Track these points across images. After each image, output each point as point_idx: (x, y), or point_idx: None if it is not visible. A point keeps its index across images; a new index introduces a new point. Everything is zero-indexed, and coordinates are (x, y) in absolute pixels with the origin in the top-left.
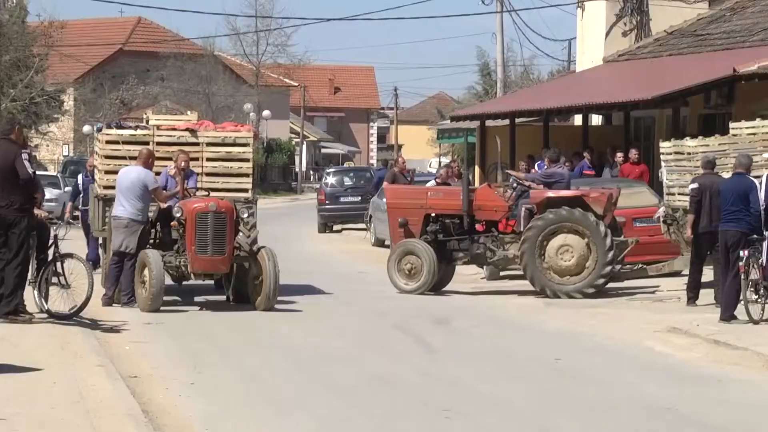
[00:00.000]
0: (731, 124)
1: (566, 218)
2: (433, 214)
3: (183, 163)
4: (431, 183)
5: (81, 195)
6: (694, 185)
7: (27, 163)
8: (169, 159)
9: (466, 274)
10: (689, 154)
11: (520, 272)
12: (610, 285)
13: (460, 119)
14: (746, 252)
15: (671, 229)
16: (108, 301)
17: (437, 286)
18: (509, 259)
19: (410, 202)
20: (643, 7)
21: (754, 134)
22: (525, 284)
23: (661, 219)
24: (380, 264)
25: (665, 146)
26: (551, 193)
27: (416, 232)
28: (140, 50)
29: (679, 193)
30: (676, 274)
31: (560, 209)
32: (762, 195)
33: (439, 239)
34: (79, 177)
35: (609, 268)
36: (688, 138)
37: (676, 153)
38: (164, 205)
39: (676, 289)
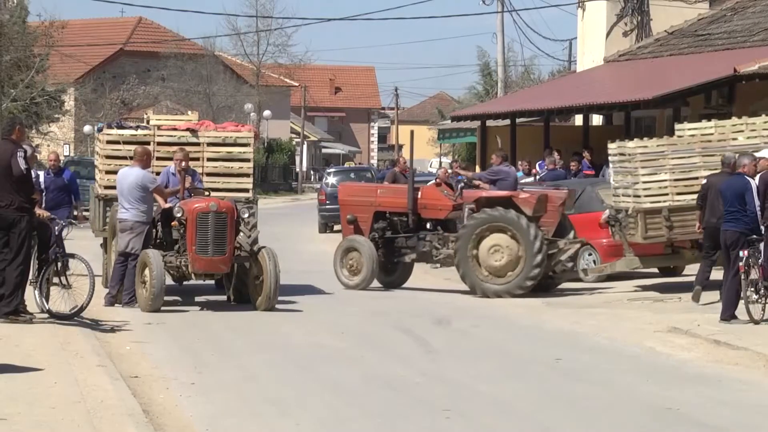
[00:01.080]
0: (676, 126)
1: (497, 218)
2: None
3: (183, 163)
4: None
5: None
6: (704, 181)
7: (22, 161)
8: (170, 159)
9: None
10: (630, 155)
11: None
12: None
13: (460, 119)
14: (746, 252)
15: (615, 230)
16: (111, 300)
17: (395, 283)
18: (452, 256)
19: (360, 199)
20: (644, 7)
21: (692, 136)
22: None
23: (607, 221)
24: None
25: (612, 147)
26: (484, 194)
27: (365, 229)
28: (141, 50)
29: (623, 195)
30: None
31: (494, 209)
32: (755, 195)
33: (387, 237)
34: (42, 174)
35: (537, 270)
36: (627, 140)
37: (620, 155)
38: (166, 205)
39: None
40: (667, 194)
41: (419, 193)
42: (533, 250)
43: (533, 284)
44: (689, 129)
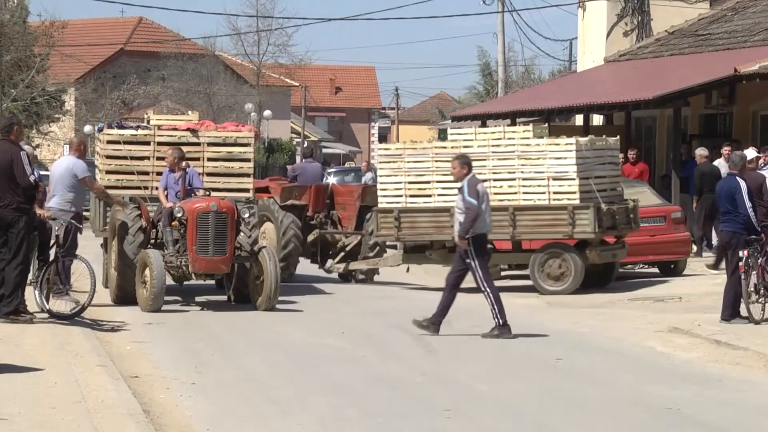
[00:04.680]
0: (450, 131)
1: (261, 207)
2: None
3: (183, 163)
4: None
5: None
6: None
7: (27, 167)
8: None
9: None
10: (398, 156)
11: (520, 272)
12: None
13: (461, 119)
14: (746, 252)
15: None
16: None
17: None
18: None
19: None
20: (644, 7)
21: (455, 141)
22: (526, 284)
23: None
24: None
25: (381, 148)
26: (260, 185)
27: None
28: (141, 50)
29: (393, 195)
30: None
31: (266, 200)
32: (745, 196)
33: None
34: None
35: (284, 252)
36: (397, 142)
37: (388, 155)
38: (168, 204)
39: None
40: (401, 196)
41: None
42: (280, 235)
43: (286, 267)
44: (456, 134)
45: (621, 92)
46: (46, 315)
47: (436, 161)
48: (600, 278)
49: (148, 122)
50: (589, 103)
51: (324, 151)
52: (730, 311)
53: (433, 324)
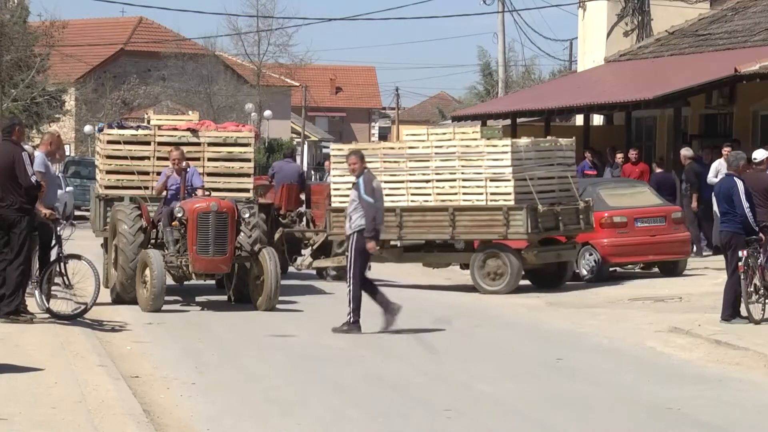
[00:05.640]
0: (404, 132)
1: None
2: None
3: (183, 162)
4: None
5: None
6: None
7: (29, 168)
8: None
9: (467, 273)
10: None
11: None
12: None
13: (461, 119)
14: (745, 252)
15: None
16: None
17: None
18: None
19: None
20: (645, 7)
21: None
22: (526, 284)
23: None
24: (381, 264)
25: (334, 148)
26: None
27: None
28: (141, 50)
29: (345, 195)
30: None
31: None
32: (742, 197)
33: None
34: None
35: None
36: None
37: (340, 156)
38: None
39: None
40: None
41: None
42: None
43: None
44: (410, 134)
45: (621, 92)
46: (46, 315)
47: (385, 162)
48: (553, 278)
49: (149, 122)
50: (589, 103)
51: (324, 150)
52: (731, 311)
53: (354, 324)
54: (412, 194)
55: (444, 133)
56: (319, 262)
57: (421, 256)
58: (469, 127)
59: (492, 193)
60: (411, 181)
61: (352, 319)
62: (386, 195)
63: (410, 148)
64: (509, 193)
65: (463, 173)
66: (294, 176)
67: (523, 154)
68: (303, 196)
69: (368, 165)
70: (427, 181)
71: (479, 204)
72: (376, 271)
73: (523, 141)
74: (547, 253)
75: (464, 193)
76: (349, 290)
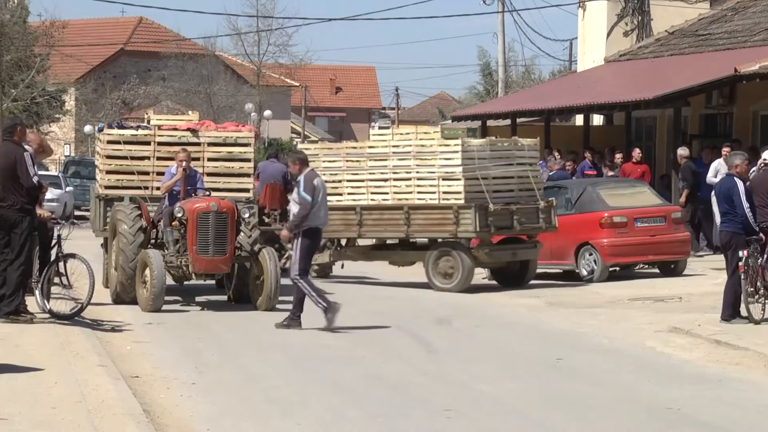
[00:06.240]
0: (371, 131)
1: None
2: None
3: (185, 163)
4: None
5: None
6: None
7: (30, 168)
8: (171, 159)
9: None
10: (315, 156)
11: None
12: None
13: (461, 119)
14: (746, 252)
15: None
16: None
17: None
18: None
19: None
20: (645, 7)
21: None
22: (530, 283)
23: None
24: (381, 264)
25: (303, 149)
26: None
27: None
28: (141, 50)
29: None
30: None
31: None
32: (743, 197)
33: None
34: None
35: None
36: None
37: (308, 156)
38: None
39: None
40: None
41: None
42: None
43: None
44: (376, 134)
45: (621, 92)
46: (46, 315)
47: (347, 161)
48: (516, 277)
49: (149, 122)
50: (589, 103)
51: None
52: (731, 311)
53: (294, 320)
54: (372, 193)
55: (407, 133)
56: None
57: (387, 254)
58: (432, 127)
59: (444, 192)
60: (371, 180)
61: (294, 315)
62: (348, 194)
63: (370, 147)
64: (459, 192)
65: (418, 172)
66: (278, 176)
67: (476, 154)
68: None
69: (332, 164)
70: (386, 180)
71: (432, 203)
72: (386, 271)
73: (477, 141)
74: (500, 252)
75: (419, 192)
76: (296, 287)
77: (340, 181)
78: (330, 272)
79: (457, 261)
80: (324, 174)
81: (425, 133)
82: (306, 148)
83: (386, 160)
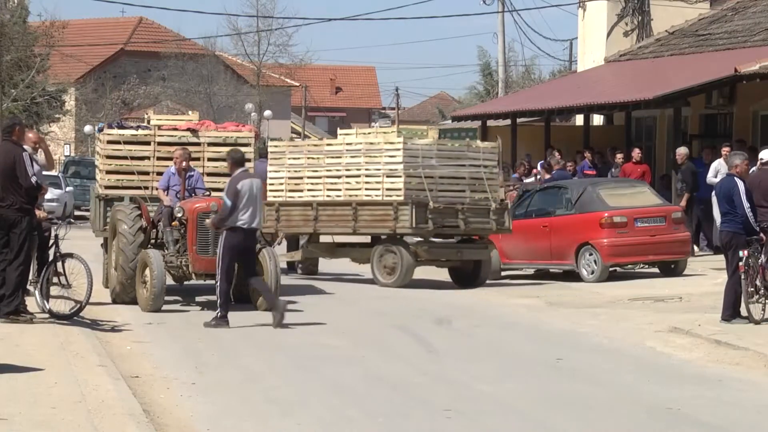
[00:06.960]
0: (339, 131)
1: None
2: None
3: (184, 163)
4: None
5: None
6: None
7: (29, 168)
8: (171, 159)
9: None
10: (282, 153)
11: (521, 272)
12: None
13: (461, 119)
14: (746, 252)
15: None
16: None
17: None
18: None
19: None
20: (645, 7)
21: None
22: (525, 284)
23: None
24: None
25: (272, 145)
26: None
27: None
28: (141, 50)
29: (277, 190)
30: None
31: None
32: (743, 197)
33: None
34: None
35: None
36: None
37: (276, 152)
38: (167, 200)
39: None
40: (282, 190)
41: None
42: None
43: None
44: (342, 134)
45: (621, 92)
46: (46, 315)
47: (308, 158)
48: (470, 277)
49: (149, 122)
50: (589, 103)
51: None
52: (731, 311)
53: (222, 318)
54: (328, 189)
55: (369, 133)
56: (284, 256)
57: (348, 251)
58: (391, 127)
59: (387, 189)
60: (327, 177)
61: (219, 315)
62: (307, 190)
63: (328, 145)
64: (400, 189)
65: (366, 169)
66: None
67: (420, 152)
68: None
69: (296, 161)
70: (339, 177)
71: (377, 199)
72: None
73: (423, 140)
74: (442, 250)
75: (366, 189)
76: (218, 285)
77: (301, 178)
78: (316, 270)
79: (398, 257)
80: (289, 170)
81: (385, 133)
82: (275, 146)
83: (341, 157)
